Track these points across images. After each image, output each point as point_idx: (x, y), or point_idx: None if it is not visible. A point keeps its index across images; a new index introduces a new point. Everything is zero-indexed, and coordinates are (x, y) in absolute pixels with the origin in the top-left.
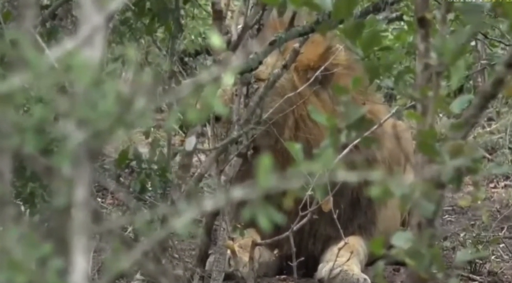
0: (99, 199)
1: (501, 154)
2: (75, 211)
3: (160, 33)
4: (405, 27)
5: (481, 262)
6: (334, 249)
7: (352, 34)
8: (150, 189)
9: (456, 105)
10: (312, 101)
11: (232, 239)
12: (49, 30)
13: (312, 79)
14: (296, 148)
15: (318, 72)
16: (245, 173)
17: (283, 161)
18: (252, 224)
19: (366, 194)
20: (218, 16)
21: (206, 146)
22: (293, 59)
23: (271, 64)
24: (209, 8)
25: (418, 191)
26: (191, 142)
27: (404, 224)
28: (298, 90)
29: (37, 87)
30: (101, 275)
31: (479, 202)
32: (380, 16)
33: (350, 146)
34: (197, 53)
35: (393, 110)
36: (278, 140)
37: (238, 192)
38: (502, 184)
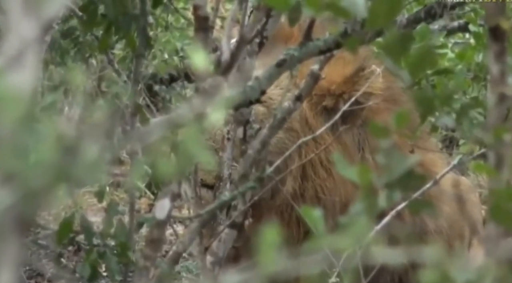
0: None
1: None
2: None
3: (118, 50)
4: (472, 41)
5: None
6: None
7: (395, 50)
8: (104, 274)
9: None
10: (328, 142)
11: None
12: None
13: (339, 112)
14: (314, 216)
15: (347, 105)
16: (241, 251)
17: (285, 224)
18: None
19: (415, 281)
20: (203, 25)
21: (185, 212)
22: (311, 87)
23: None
24: (190, 14)
25: (489, 276)
26: (163, 207)
27: None
28: (308, 120)
29: None
30: None
31: None
32: (436, 26)
33: (392, 213)
34: (172, 79)
35: (454, 161)
36: (277, 193)
37: (231, 279)
38: None
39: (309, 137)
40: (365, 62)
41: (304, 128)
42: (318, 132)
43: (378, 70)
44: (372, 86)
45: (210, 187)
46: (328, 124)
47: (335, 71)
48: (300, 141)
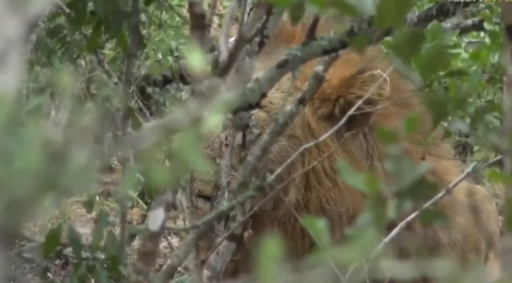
0: None
1: None
2: None
3: (109, 49)
4: (487, 40)
5: None
6: None
7: (405, 50)
8: None
9: None
10: (332, 148)
11: None
12: None
13: (344, 117)
14: (319, 227)
15: (352, 110)
16: (240, 265)
17: (288, 237)
18: None
19: None
20: (199, 23)
21: (180, 223)
22: (314, 89)
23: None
24: (185, 12)
25: None
26: (156, 218)
27: None
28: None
29: None
30: None
31: None
32: (449, 24)
33: (402, 224)
34: (167, 80)
35: (469, 169)
36: (279, 204)
37: None
38: None
39: (312, 143)
40: (367, 64)
41: (306, 135)
42: (322, 138)
43: (379, 72)
44: (377, 92)
45: (208, 198)
46: (332, 130)
47: (336, 73)
48: (302, 148)
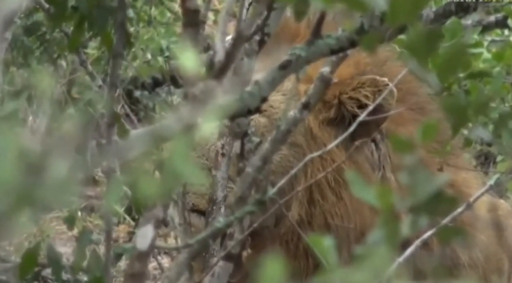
0: None
1: None
2: None
3: (92, 49)
4: (511, 38)
5: None
6: None
7: (421, 50)
8: None
9: None
10: (337, 157)
11: None
12: None
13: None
14: (324, 246)
15: (364, 115)
16: None
17: (291, 256)
18: None
19: None
20: (192, 20)
21: (171, 241)
22: (320, 93)
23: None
24: (177, 7)
25: None
26: (145, 235)
27: None
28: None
29: None
30: None
31: None
32: (469, 21)
33: (418, 242)
34: (156, 83)
35: (491, 181)
36: (282, 220)
37: None
38: None
39: (319, 152)
40: (374, 67)
41: (309, 142)
42: (330, 147)
43: (384, 80)
44: (385, 98)
45: (202, 213)
46: (341, 138)
47: (337, 74)
48: (307, 158)
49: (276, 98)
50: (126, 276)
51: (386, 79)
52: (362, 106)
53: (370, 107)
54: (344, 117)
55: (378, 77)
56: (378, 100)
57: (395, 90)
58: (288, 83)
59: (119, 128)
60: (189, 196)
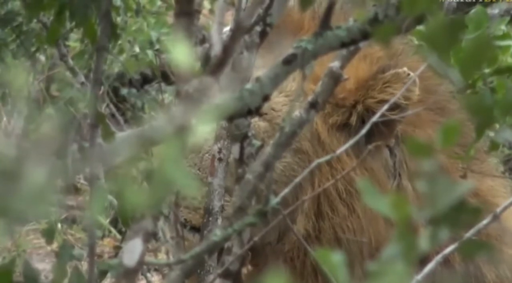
0: None
1: None
2: None
3: (74, 41)
4: None
5: None
6: None
7: (441, 43)
8: None
9: None
10: (348, 165)
11: None
12: None
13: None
14: (334, 262)
15: (376, 117)
16: None
17: (297, 274)
18: None
19: None
20: (186, 8)
21: (162, 257)
22: (330, 91)
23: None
24: None
25: None
26: (133, 250)
27: None
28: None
29: None
30: None
31: None
32: (496, 10)
33: (438, 258)
34: (145, 80)
35: None
36: (286, 234)
37: None
38: None
39: (327, 158)
40: (391, 60)
41: (316, 148)
42: (339, 152)
43: (405, 71)
44: (404, 95)
45: (196, 229)
46: (350, 142)
47: (352, 72)
48: (314, 163)
49: (278, 100)
50: None
51: (405, 69)
52: (396, 107)
53: (387, 105)
54: (364, 122)
55: (399, 70)
56: (399, 95)
57: (417, 79)
58: (293, 83)
59: (103, 130)
60: (181, 211)
